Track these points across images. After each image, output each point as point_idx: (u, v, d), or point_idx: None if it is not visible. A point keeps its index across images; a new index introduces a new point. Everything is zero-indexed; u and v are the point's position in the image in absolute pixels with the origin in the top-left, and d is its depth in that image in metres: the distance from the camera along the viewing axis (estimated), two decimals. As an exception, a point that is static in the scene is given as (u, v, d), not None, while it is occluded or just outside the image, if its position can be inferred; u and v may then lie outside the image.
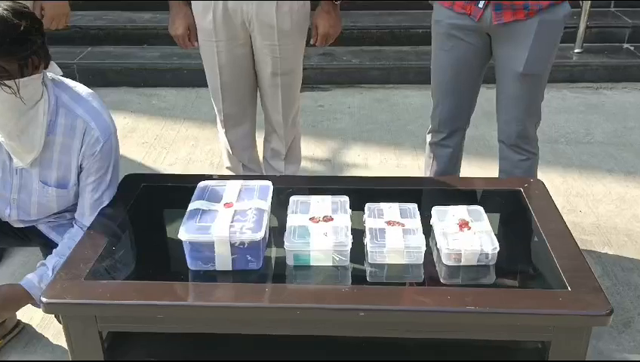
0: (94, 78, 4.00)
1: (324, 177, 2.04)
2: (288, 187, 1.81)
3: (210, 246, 1.43)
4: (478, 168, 3.00)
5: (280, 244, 1.51)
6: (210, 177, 1.86)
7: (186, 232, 1.44)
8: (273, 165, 2.34)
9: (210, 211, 1.52)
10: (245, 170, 2.34)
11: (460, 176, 2.41)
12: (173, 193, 1.81)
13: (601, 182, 2.94)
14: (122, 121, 3.56)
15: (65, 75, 1.80)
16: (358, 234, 1.56)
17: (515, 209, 1.75)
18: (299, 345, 1.53)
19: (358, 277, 1.48)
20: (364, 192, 1.81)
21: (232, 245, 1.43)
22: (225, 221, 1.47)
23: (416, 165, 3.09)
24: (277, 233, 1.60)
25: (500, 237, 1.53)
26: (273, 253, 1.55)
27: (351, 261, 1.50)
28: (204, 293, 1.41)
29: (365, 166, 3.12)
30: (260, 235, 1.43)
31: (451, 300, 1.37)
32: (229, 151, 2.32)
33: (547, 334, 1.39)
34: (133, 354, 1.54)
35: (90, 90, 1.75)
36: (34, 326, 2.01)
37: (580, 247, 1.59)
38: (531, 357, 1.54)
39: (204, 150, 3.23)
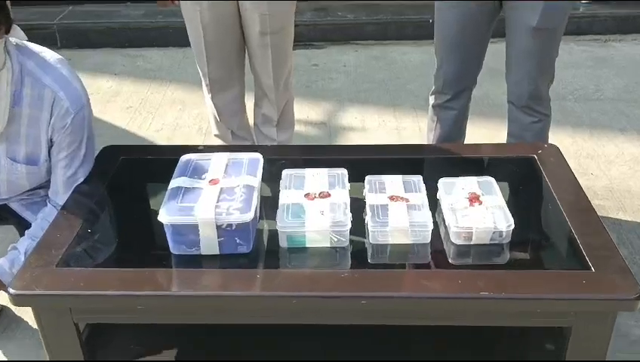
0: (76, 39, 3.79)
1: (319, 146, 1.88)
2: (280, 158, 1.65)
3: (194, 228, 1.29)
4: (483, 130, 2.84)
5: (272, 224, 1.37)
6: (195, 148, 1.71)
7: (166, 214, 1.29)
8: (265, 132, 2.18)
9: (194, 189, 1.37)
10: (235, 138, 2.18)
11: (466, 141, 2.26)
12: (156, 166, 1.65)
13: (613, 142, 2.79)
14: (105, 85, 3.37)
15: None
16: (358, 210, 1.42)
17: (528, 179, 1.61)
18: (294, 333, 1.40)
19: (359, 259, 1.34)
20: (363, 163, 1.66)
21: (218, 227, 1.29)
22: (210, 200, 1.32)
23: (417, 127, 2.93)
24: (269, 211, 1.46)
25: (513, 211, 1.38)
26: (265, 234, 1.41)
27: (351, 241, 1.36)
28: (188, 281, 1.27)
29: (363, 129, 2.96)
30: (249, 216, 1.29)
31: (462, 285, 1.24)
32: (216, 118, 2.16)
33: (568, 319, 1.26)
34: (116, 347, 1.42)
35: (58, 56, 1.57)
36: (13, 308, 1.89)
37: None
38: (547, 342, 1.42)
39: (192, 114, 3.05)
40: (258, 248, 1.35)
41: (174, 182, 1.39)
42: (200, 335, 1.44)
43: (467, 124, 2.25)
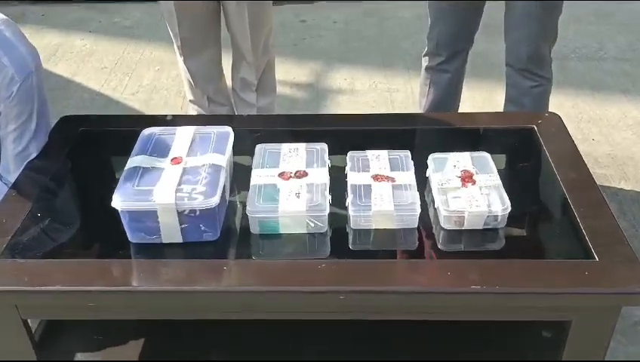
0: (49, -7, 3.57)
1: (299, 116, 1.71)
2: (254, 129, 1.50)
3: (152, 215, 1.15)
4: (479, 93, 2.68)
5: (243, 207, 1.23)
6: (163, 118, 1.55)
7: (120, 199, 1.15)
8: (244, 97, 2.01)
9: (154, 169, 1.22)
10: (211, 104, 2.02)
11: (461, 105, 2.10)
12: (119, 139, 1.49)
13: (615, 106, 2.63)
14: (79, 43, 3.17)
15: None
16: (339, 191, 1.28)
17: (527, 153, 1.46)
18: (267, 329, 1.29)
19: (339, 247, 1.21)
20: (346, 135, 1.51)
21: (179, 213, 1.15)
22: (170, 183, 1.18)
23: (409, 88, 2.76)
24: (241, 192, 1.32)
25: (510, 192, 1.25)
26: (234, 218, 1.27)
27: (331, 225, 1.23)
28: (146, 274, 1.14)
29: (352, 91, 2.79)
30: (214, 201, 1.15)
31: (451, 277, 1.11)
32: (190, 83, 1.99)
33: (568, 313, 1.15)
34: (78, 343, 1.30)
35: (3, 17, 1.40)
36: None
37: None
38: (545, 331, 1.31)
39: (171, 75, 2.86)
40: (226, 235, 1.21)
41: (132, 161, 1.24)
42: (170, 329, 1.32)
43: (462, 87, 2.10)
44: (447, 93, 1.99)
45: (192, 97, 2.04)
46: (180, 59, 1.95)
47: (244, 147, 1.41)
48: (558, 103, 2.57)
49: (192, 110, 2.08)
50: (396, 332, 1.32)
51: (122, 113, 2.62)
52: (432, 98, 2.00)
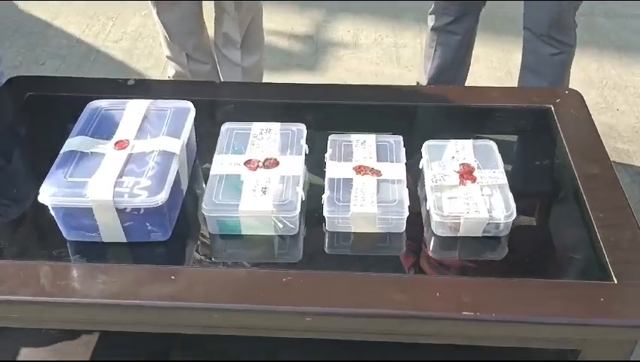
0: None
1: (276, 86, 1.48)
2: (223, 102, 1.30)
3: (87, 212, 0.97)
4: (494, 50, 2.43)
5: (200, 202, 1.05)
6: (124, 83, 1.35)
7: (49, 192, 0.97)
8: (227, 55, 1.79)
9: (93, 155, 1.03)
10: (191, 62, 1.80)
11: (470, 71, 1.87)
12: (71, 108, 1.28)
13: (645, 70, 2.39)
14: (61, -16, 2.93)
15: None
16: (318, 181, 1.09)
17: (540, 141, 1.25)
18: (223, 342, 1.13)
19: (310, 254, 1.03)
20: (329, 112, 1.30)
21: (120, 211, 0.97)
22: (110, 173, 0.99)
23: (418, 44, 2.52)
24: (198, 183, 1.14)
25: (516, 191, 1.05)
26: (193, 214, 1.09)
27: (306, 225, 1.05)
28: (78, 283, 0.97)
29: (355, 45, 2.55)
30: (159, 198, 0.96)
31: (440, 299, 0.93)
32: (166, 38, 1.77)
33: (577, 344, 0.97)
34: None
35: None
36: None
37: (613, 160, 1.12)
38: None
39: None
40: (179, 234, 1.03)
41: (69, 144, 1.05)
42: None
43: (473, 50, 1.86)
44: (454, 59, 1.76)
45: (169, 53, 1.82)
46: (153, 12, 1.73)
47: (212, 124, 1.21)
48: (583, 66, 2.33)
49: (171, 68, 1.87)
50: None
51: (102, 63, 2.42)
52: (437, 63, 1.77)
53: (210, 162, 1.11)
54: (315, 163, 1.14)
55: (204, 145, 1.19)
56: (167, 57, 1.84)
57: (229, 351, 1.17)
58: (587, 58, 2.40)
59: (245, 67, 1.81)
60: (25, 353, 1.24)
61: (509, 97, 1.35)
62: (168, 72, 1.90)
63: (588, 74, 2.35)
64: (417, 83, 1.91)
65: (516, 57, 1.89)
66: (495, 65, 2.40)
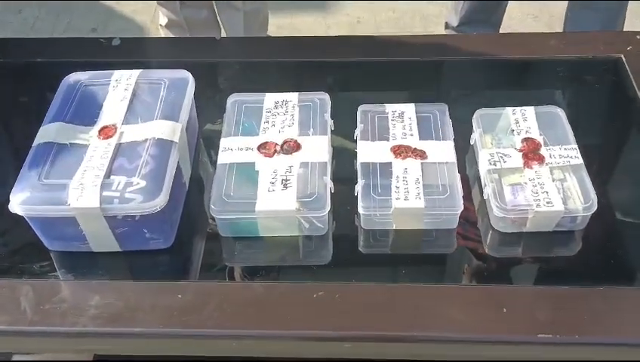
0: None
1: (289, 39, 1.24)
2: (226, 63, 1.09)
3: (71, 220, 0.79)
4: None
5: (208, 200, 0.86)
6: (109, 44, 1.13)
7: (21, 200, 0.78)
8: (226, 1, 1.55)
9: (74, 147, 0.83)
10: (184, 7, 1.56)
11: (508, 9, 1.62)
12: (51, 75, 1.07)
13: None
14: None
15: None
16: (346, 165, 0.90)
17: (611, 103, 1.04)
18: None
19: (344, 259, 0.85)
20: (356, 72, 1.09)
21: (110, 218, 0.79)
22: (95, 172, 0.79)
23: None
24: (204, 174, 0.94)
25: (591, 171, 0.86)
26: (196, 215, 0.90)
27: (334, 220, 0.86)
28: (66, 307, 0.80)
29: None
30: (158, 203, 0.77)
31: (509, 318, 0.76)
32: (155, -20, 1.53)
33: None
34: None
35: None
36: None
37: None
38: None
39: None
40: (183, 241, 0.85)
41: (43, 133, 0.85)
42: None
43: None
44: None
45: (160, -1, 1.59)
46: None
47: (215, 93, 1.01)
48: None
49: (162, 16, 1.63)
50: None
51: (85, 8, 2.17)
52: (470, 2, 1.52)
53: (217, 144, 0.91)
54: (342, 139, 0.95)
55: (207, 121, 0.99)
56: (158, 3, 1.60)
57: None
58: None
59: (247, 11, 1.58)
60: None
61: (568, 46, 1.12)
62: (160, 19, 1.66)
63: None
64: (446, 23, 1.67)
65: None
66: (532, 10, 2.13)
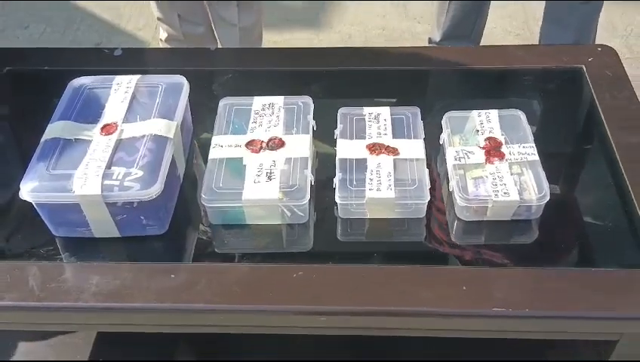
0: None
1: (273, 51, 1.36)
2: (219, 71, 1.19)
3: (75, 207, 0.88)
4: (510, 6, 2.27)
5: (200, 191, 0.95)
6: (111, 54, 1.23)
7: (30, 187, 0.87)
8: (222, 14, 1.65)
9: (78, 142, 0.92)
10: (184, 24, 1.67)
11: (487, 26, 1.73)
12: (55, 84, 1.16)
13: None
14: None
15: None
16: (328, 161, 0.99)
17: (571, 109, 1.14)
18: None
19: (323, 244, 0.94)
20: (337, 79, 1.19)
21: (110, 205, 0.88)
22: (97, 164, 0.89)
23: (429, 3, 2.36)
24: (197, 169, 1.03)
25: (548, 168, 0.95)
26: (189, 205, 0.99)
27: (316, 211, 0.95)
28: (70, 285, 0.88)
29: (363, 8, 2.39)
30: (154, 191, 0.86)
31: (468, 294, 0.84)
32: (155, -3, 1.64)
33: (614, 335, 0.89)
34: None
35: None
36: None
37: None
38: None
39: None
40: (177, 228, 0.94)
41: (50, 130, 0.94)
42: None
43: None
44: (471, 10, 1.62)
45: (159, 14, 1.68)
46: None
47: (209, 97, 1.10)
48: (603, 10, 2.17)
49: (163, 31, 1.73)
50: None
51: (90, 25, 2.28)
52: (452, 15, 1.63)
53: (209, 143, 1.00)
54: (324, 139, 1.04)
55: (201, 123, 1.08)
56: (158, 19, 1.70)
57: (236, 347, 1.10)
58: (609, 2, 2.24)
59: (243, 27, 1.68)
60: (22, 348, 1.18)
61: (534, 57, 1.22)
62: (160, 34, 1.77)
63: (611, 20, 2.20)
64: (429, 39, 1.78)
65: (533, 4, 1.74)
66: (510, 13, 2.24)
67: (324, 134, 1.04)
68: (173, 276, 0.88)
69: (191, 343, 1.20)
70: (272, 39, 2.12)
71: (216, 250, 0.94)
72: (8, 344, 1.18)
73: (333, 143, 1.01)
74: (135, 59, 1.23)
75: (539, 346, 1.09)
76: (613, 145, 1.02)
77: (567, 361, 1.07)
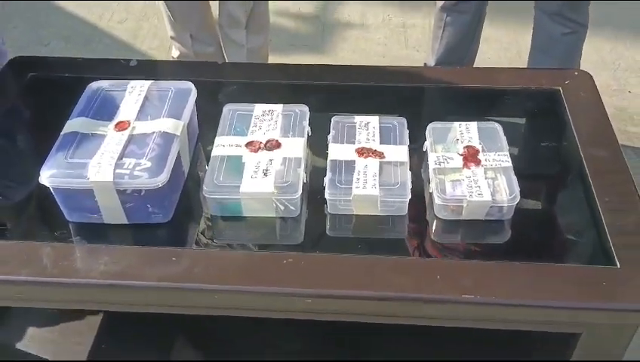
0: None
1: (276, 66, 1.47)
2: (225, 82, 1.29)
3: (88, 193, 0.97)
4: (505, 32, 2.39)
5: (202, 184, 1.05)
6: (126, 64, 1.34)
7: (49, 174, 0.97)
8: (231, 36, 1.78)
9: (94, 136, 1.03)
10: (196, 43, 1.79)
11: (479, 51, 1.84)
12: (74, 89, 1.28)
13: (659, 53, 2.34)
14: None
15: None
16: (322, 163, 1.08)
17: (547, 124, 1.23)
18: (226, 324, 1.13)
19: (313, 236, 1.03)
20: (332, 93, 1.29)
21: (121, 192, 0.97)
22: (110, 155, 0.98)
23: (427, 25, 2.48)
24: (200, 165, 1.13)
25: (521, 174, 1.04)
26: (194, 196, 1.09)
27: (307, 207, 1.04)
28: (80, 264, 0.97)
29: (362, 25, 2.52)
30: (159, 180, 0.96)
31: (441, 282, 0.93)
32: (170, 18, 1.76)
33: (577, 327, 0.97)
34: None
35: None
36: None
37: (623, 143, 1.10)
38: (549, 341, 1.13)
39: None
40: (180, 217, 1.03)
41: (69, 125, 1.05)
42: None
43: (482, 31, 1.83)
44: (463, 39, 1.74)
45: (172, 34, 1.81)
46: (156, -10, 1.72)
47: (209, 106, 1.20)
48: (594, 46, 2.29)
49: (175, 49, 1.85)
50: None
51: (107, 45, 2.41)
52: (445, 43, 1.74)
53: (212, 144, 1.10)
54: (318, 145, 1.13)
55: (206, 126, 1.18)
56: (172, 38, 1.83)
57: (232, 332, 1.18)
58: (600, 38, 2.36)
59: (250, 48, 1.80)
60: (30, 332, 1.26)
61: (516, 79, 1.33)
62: (172, 52, 1.89)
63: (601, 55, 2.31)
64: (425, 64, 1.89)
65: (527, 38, 1.86)
66: (505, 45, 2.37)
67: (319, 140, 1.13)
68: (174, 259, 0.97)
69: (190, 343, 1.28)
70: (277, 61, 2.24)
71: (215, 238, 1.03)
72: (17, 331, 1.27)
73: (326, 148, 1.11)
74: (148, 70, 1.34)
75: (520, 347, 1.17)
76: (583, 158, 1.11)
77: (534, 361, 1.14)
